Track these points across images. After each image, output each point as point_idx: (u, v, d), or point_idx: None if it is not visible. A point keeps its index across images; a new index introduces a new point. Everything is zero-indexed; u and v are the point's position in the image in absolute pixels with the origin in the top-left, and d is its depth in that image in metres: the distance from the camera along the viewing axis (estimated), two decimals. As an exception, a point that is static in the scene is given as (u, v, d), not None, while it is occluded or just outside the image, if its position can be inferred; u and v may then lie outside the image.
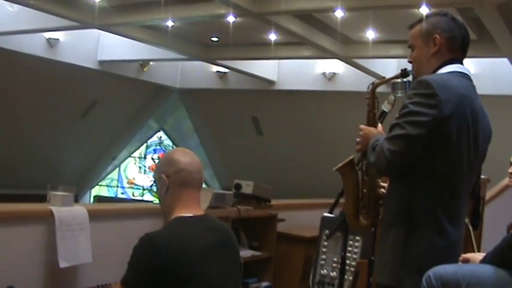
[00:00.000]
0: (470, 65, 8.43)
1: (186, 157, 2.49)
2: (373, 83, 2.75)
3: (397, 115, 2.41)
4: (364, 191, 2.70)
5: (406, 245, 2.38)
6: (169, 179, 2.44)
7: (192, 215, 2.43)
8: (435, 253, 2.34)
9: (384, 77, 2.81)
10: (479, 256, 2.41)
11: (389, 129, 2.42)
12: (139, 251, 2.28)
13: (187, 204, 2.45)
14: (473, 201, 2.92)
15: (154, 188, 2.55)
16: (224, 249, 2.47)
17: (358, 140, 2.60)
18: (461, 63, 2.54)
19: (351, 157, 2.77)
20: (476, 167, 2.51)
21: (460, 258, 2.45)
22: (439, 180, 2.35)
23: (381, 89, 2.78)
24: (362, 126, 2.62)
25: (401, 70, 2.61)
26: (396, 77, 2.68)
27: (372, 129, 2.57)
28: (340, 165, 2.80)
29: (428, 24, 2.56)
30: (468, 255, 2.47)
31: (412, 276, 2.34)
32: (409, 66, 2.64)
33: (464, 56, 2.57)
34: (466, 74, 2.50)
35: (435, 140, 2.30)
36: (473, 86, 2.52)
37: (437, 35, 2.50)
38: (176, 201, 2.45)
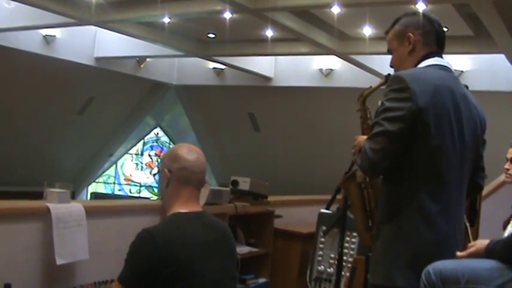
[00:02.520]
0: (467, 61, 8.47)
1: (192, 155, 2.48)
2: (361, 95, 2.76)
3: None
4: (372, 204, 2.69)
5: (396, 241, 2.37)
6: (172, 174, 2.44)
7: (189, 211, 2.43)
8: (426, 247, 2.34)
9: (371, 87, 2.80)
10: (484, 242, 2.38)
11: (369, 129, 2.44)
12: (136, 247, 2.28)
13: (186, 202, 2.45)
14: (470, 198, 2.91)
15: (157, 178, 2.53)
16: (221, 246, 2.48)
17: (352, 150, 2.59)
18: (440, 56, 2.56)
19: (352, 171, 2.76)
20: (468, 158, 2.49)
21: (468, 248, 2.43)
22: (424, 173, 2.36)
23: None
24: (356, 136, 2.62)
25: (386, 76, 2.62)
26: (382, 83, 2.67)
27: (364, 137, 2.53)
28: (342, 180, 2.80)
29: (400, 26, 2.61)
30: (473, 242, 2.44)
31: (404, 272, 2.33)
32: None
33: (441, 49, 2.59)
34: (445, 66, 2.52)
35: (415, 132, 2.31)
36: (455, 77, 2.54)
37: (410, 34, 2.56)
38: (175, 197, 2.45)
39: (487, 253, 2.31)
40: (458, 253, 2.38)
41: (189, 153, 2.48)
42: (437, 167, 2.37)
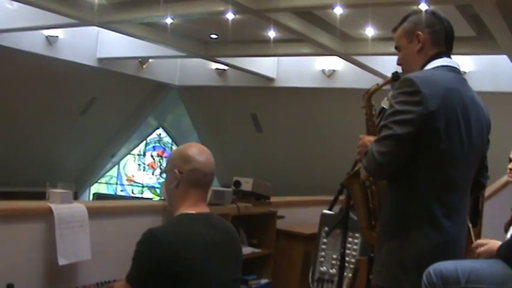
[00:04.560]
0: (469, 62, 8.45)
1: (202, 156, 2.47)
2: (367, 92, 2.74)
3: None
4: (375, 202, 2.67)
5: (402, 244, 2.36)
6: (182, 175, 2.43)
7: (196, 212, 2.42)
8: (432, 251, 2.32)
9: (377, 84, 2.79)
10: (496, 242, 2.39)
11: (378, 132, 2.42)
12: (142, 247, 2.28)
13: (194, 203, 2.44)
14: (473, 198, 2.91)
15: (163, 176, 2.47)
16: (227, 248, 2.47)
17: (358, 150, 2.56)
18: (449, 57, 2.53)
19: (356, 169, 2.75)
20: (474, 160, 2.48)
21: (474, 244, 2.44)
22: (431, 176, 2.34)
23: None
24: (361, 135, 2.60)
25: (392, 74, 2.61)
26: (388, 81, 2.66)
27: (370, 137, 2.51)
28: (346, 178, 2.79)
29: (410, 23, 2.58)
30: (484, 240, 2.45)
31: (410, 276, 2.32)
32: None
33: (450, 49, 2.56)
34: (454, 67, 2.49)
35: (423, 136, 2.29)
36: (463, 79, 2.51)
37: (419, 32, 2.52)
38: (184, 198, 2.44)
39: (498, 256, 2.32)
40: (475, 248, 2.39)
41: (200, 155, 2.46)
42: (445, 171, 2.35)
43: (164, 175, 2.54)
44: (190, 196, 2.44)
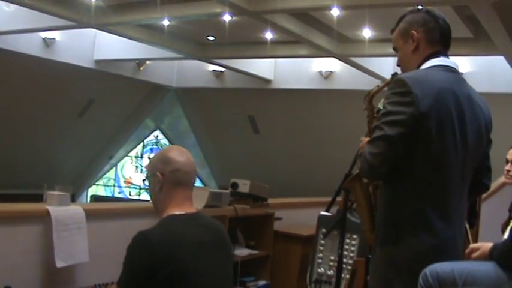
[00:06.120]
0: (466, 63, 8.44)
1: (183, 156, 2.48)
2: (368, 94, 2.73)
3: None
4: (378, 204, 2.65)
5: (395, 245, 2.35)
6: (164, 177, 2.44)
7: (184, 212, 2.43)
8: (425, 253, 2.30)
9: (378, 86, 2.77)
10: (488, 245, 2.38)
11: (371, 133, 2.42)
12: (133, 250, 2.28)
13: (180, 203, 2.45)
14: (474, 198, 2.90)
15: (146, 183, 2.52)
16: (217, 247, 2.48)
17: (358, 152, 2.53)
18: (445, 56, 2.50)
19: (357, 171, 2.74)
20: (471, 160, 2.46)
21: (468, 250, 2.43)
22: (424, 178, 2.32)
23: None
24: (362, 138, 2.58)
25: (392, 75, 2.59)
26: (388, 83, 2.64)
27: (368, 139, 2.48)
28: (347, 180, 2.78)
29: (405, 23, 2.56)
30: (478, 244, 2.45)
31: (402, 278, 2.31)
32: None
33: (447, 47, 2.54)
34: (450, 67, 2.46)
35: (416, 136, 2.27)
36: (460, 78, 2.49)
37: (413, 31, 2.50)
38: (170, 199, 2.45)
39: (491, 258, 2.32)
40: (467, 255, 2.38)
41: (180, 155, 2.48)
42: (438, 172, 2.33)
43: (147, 181, 2.55)
44: (176, 196, 2.45)
